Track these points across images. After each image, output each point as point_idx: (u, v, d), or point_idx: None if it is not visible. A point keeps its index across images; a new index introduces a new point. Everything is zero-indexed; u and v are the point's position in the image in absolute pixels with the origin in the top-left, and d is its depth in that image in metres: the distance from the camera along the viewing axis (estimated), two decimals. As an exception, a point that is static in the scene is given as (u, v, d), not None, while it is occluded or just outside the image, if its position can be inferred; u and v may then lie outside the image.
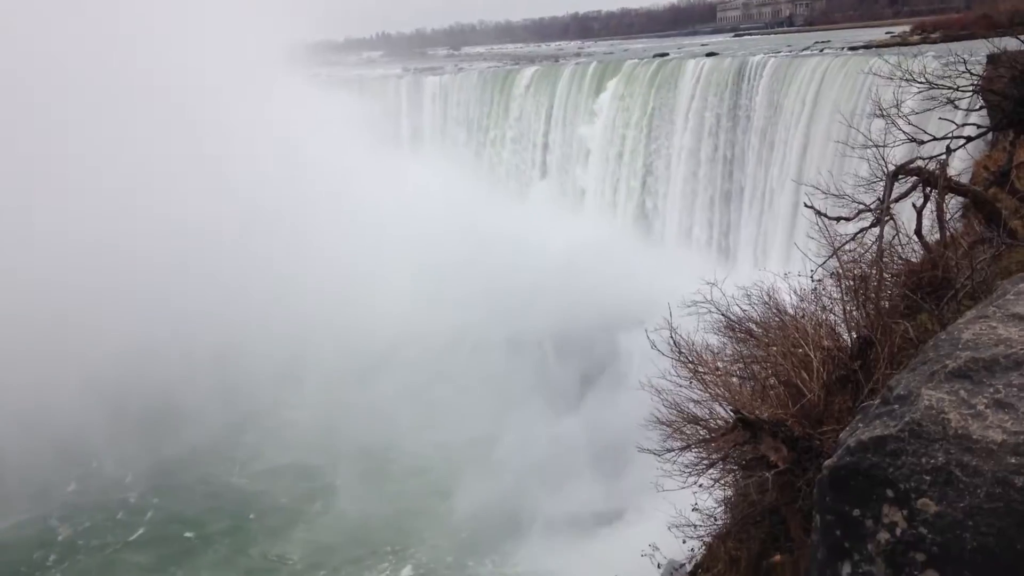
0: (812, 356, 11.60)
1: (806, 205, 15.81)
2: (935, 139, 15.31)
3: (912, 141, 15.44)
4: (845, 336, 12.46)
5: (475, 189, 57.03)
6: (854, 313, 12.40)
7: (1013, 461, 2.42)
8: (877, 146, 14.69)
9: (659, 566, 15.49)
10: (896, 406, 2.78)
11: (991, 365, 2.77)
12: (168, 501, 36.62)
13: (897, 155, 16.16)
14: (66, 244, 44.25)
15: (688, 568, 15.29)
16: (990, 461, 2.45)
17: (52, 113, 49.02)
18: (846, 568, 2.60)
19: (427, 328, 45.24)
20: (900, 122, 15.40)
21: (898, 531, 2.49)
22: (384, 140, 60.54)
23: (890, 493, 2.54)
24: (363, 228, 50.99)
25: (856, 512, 2.60)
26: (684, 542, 14.36)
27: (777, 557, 12.58)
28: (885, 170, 14.35)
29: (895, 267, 13.84)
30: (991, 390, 2.68)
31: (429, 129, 64.75)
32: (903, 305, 12.75)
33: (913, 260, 13.88)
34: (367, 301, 45.60)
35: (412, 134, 65.01)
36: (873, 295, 12.38)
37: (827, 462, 2.80)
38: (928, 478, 2.50)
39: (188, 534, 34.56)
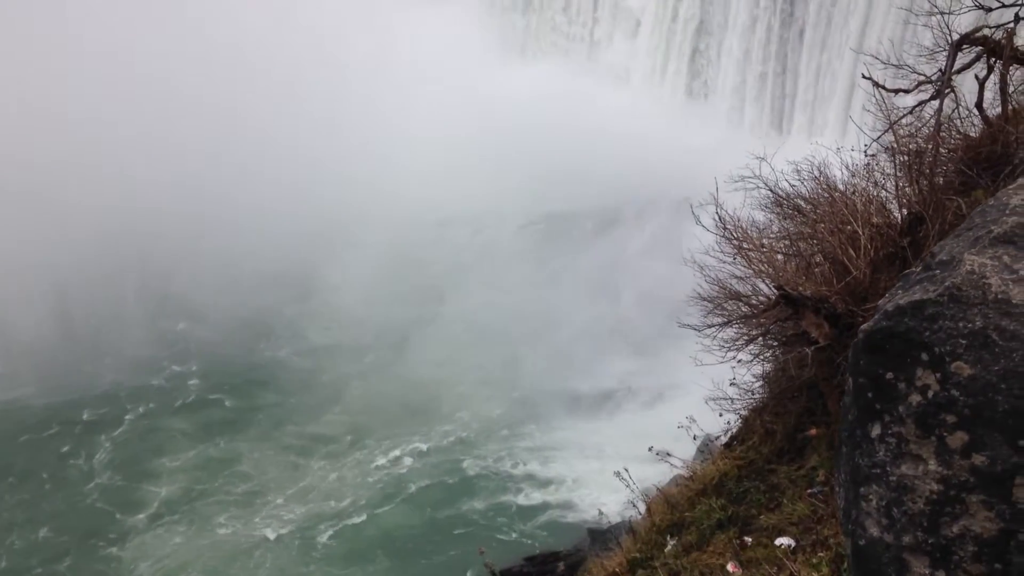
0: (860, 233, 11.42)
1: (864, 76, 15.23)
2: (1003, 6, 14.50)
3: (980, 8, 14.64)
4: (896, 213, 12.21)
5: (523, 63, 55.68)
6: (906, 189, 12.10)
7: (1052, 326, 2.39)
8: (942, 13, 14.00)
9: (695, 438, 15.77)
10: (937, 271, 2.74)
11: (1038, 230, 2.70)
12: (217, 372, 37.69)
13: (963, 23, 15.36)
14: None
15: (724, 440, 15.57)
16: (1029, 325, 2.42)
17: None
18: (876, 429, 2.63)
19: (470, 205, 45.17)
20: (968, -13, 14.58)
21: (930, 393, 2.50)
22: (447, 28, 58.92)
23: (924, 356, 2.54)
24: (400, 93, 50.32)
25: (889, 375, 2.61)
26: (721, 415, 14.58)
27: (813, 431, 12.74)
28: (949, 39, 13.70)
29: (953, 142, 13.39)
30: (1036, 255, 2.63)
31: (485, 15, 62.64)
32: (958, 181, 12.41)
33: (972, 135, 13.41)
34: (405, 175, 45.44)
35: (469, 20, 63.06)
36: (927, 171, 12.04)
37: (864, 325, 2.79)
38: (964, 342, 2.49)
39: (230, 405, 35.64)
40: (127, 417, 35.29)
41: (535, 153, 45.12)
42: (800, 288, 11.23)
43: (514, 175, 44.89)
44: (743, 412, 14.66)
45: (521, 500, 30.73)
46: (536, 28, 59.19)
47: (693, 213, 12.96)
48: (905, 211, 11.88)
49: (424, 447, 32.99)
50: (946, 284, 2.65)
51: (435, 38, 55.05)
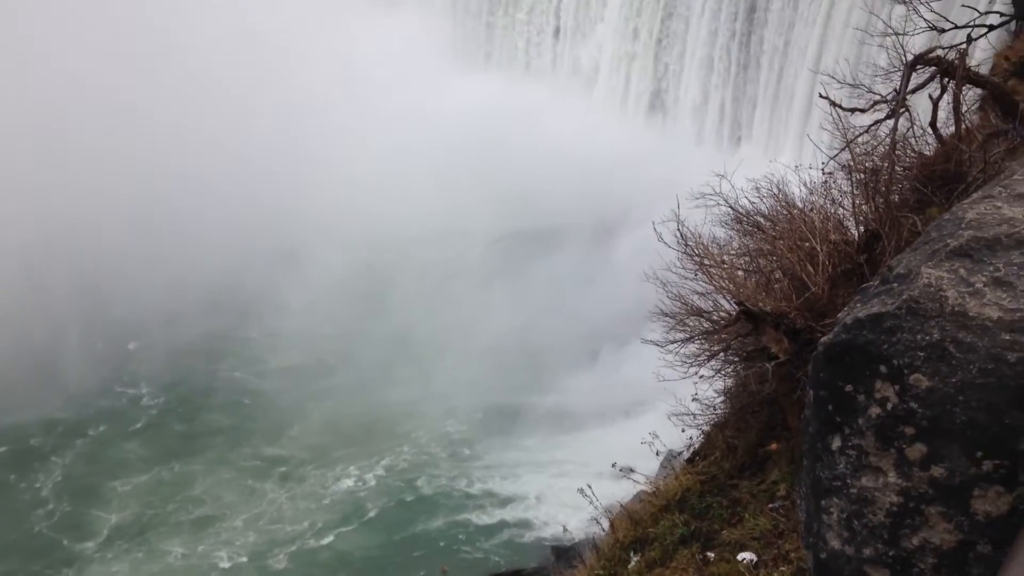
0: (819, 249, 11.57)
1: (821, 96, 15.48)
2: (956, 27, 14.87)
3: (933, 29, 14.99)
4: (853, 230, 12.40)
5: (485, 80, 55.88)
6: (863, 207, 12.30)
7: (1007, 338, 2.43)
8: (897, 34, 14.27)
9: (658, 454, 15.82)
10: (895, 284, 2.77)
11: (993, 244, 2.74)
12: (171, 394, 36.91)
13: (917, 44, 15.70)
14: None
15: (686, 455, 15.64)
16: (985, 338, 2.46)
17: None
18: (836, 441, 2.65)
19: (436, 223, 45.09)
20: (922, 9, 14.92)
21: (889, 406, 2.52)
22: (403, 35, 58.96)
23: (883, 369, 2.56)
24: (370, 103, 50.09)
25: (849, 387, 2.63)
26: (683, 431, 14.64)
27: (774, 445, 12.83)
28: (903, 59, 13.98)
29: (908, 160, 13.64)
30: (991, 268, 2.67)
31: (438, 19, 62.90)
32: (913, 199, 12.63)
33: (926, 153, 13.67)
34: (367, 191, 45.19)
35: (421, 24, 63.27)
36: (883, 188, 12.24)
37: (823, 339, 2.81)
38: (922, 354, 2.52)
39: (183, 428, 34.87)
40: (77, 442, 34.29)
41: (498, 168, 45.18)
42: (760, 304, 11.34)
43: (478, 191, 44.89)
44: (705, 427, 14.74)
45: (483, 518, 30.50)
46: (500, 40, 59.45)
47: (655, 230, 13.05)
48: (862, 228, 12.07)
49: (383, 468, 32.49)
50: (904, 297, 2.68)
51: (394, 48, 54.94)
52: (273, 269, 42.51)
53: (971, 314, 2.55)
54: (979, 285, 2.63)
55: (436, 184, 45.98)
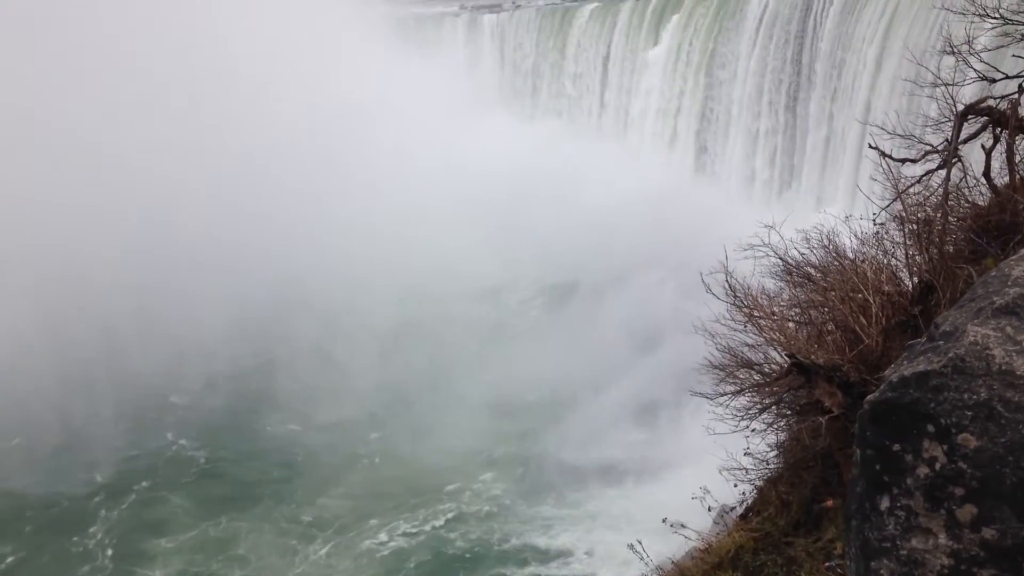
0: (871, 301, 11.42)
1: (871, 146, 15.39)
2: (1008, 77, 14.72)
3: (983, 80, 14.86)
4: (907, 281, 12.22)
5: (530, 130, 56.57)
6: (916, 258, 12.13)
7: (1057, 397, 2.39)
8: (946, 85, 14.17)
9: (709, 509, 15.55)
10: (941, 342, 2.75)
11: (1040, 302, 2.71)
12: (216, 449, 37.15)
13: (967, 94, 15.59)
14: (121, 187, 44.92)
15: (739, 511, 15.34)
16: (1033, 397, 2.42)
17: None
18: (885, 502, 2.61)
19: (482, 275, 45.35)
20: (972, 60, 14.81)
21: (938, 465, 2.49)
22: (441, 81, 60.09)
23: (931, 428, 2.54)
24: (412, 169, 50.89)
25: (896, 447, 2.60)
26: (735, 486, 14.39)
27: (829, 502, 12.55)
28: (954, 110, 13.87)
29: (961, 211, 13.47)
30: (1038, 327, 2.63)
31: (487, 68, 64.21)
32: (968, 250, 12.44)
33: (980, 203, 13.48)
34: (411, 245, 45.63)
35: (468, 73, 64.54)
36: (937, 239, 12.08)
37: (869, 397, 2.79)
38: (970, 413, 2.49)
39: (233, 483, 34.94)
40: (123, 498, 34.32)
41: (539, 220, 45.48)
42: (812, 356, 11.19)
43: (519, 243, 45.18)
44: (758, 482, 14.48)
45: (531, 574, 30.06)
46: (544, 95, 60.31)
47: (703, 281, 13.00)
48: (916, 279, 11.90)
49: (429, 526, 32.14)
50: (950, 355, 2.66)
51: (436, 102, 55.94)
52: (314, 324, 43.03)
53: (1019, 372, 2.52)
54: (1026, 343, 2.60)
55: (477, 237, 46.41)
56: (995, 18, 15.45)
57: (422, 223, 47.57)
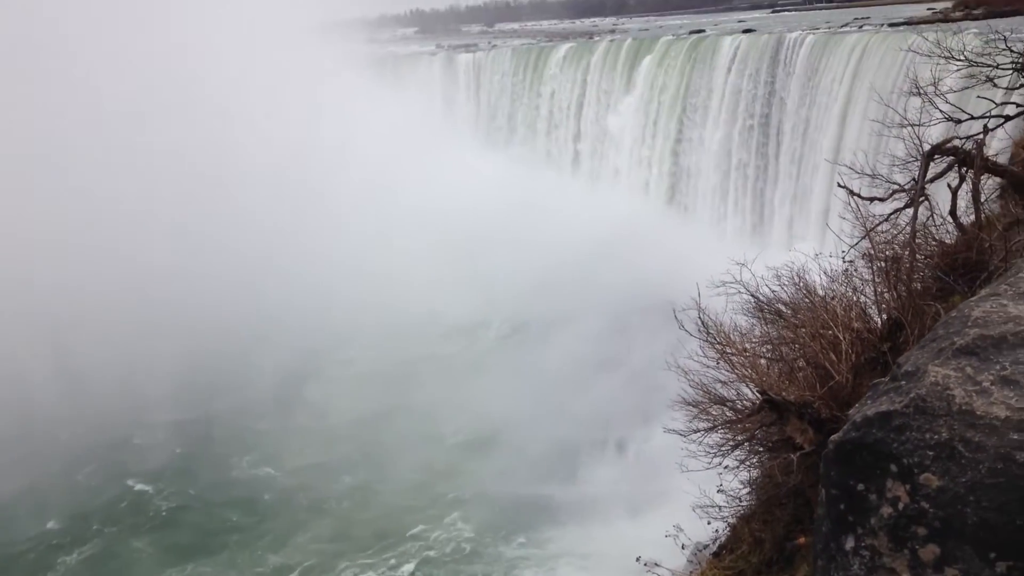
0: (841, 338, 11.51)
1: (839, 185, 15.64)
2: (973, 118, 15.05)
3: (949, 120, 15.19)
4: (876, 318, 12.35)
5: (506, 168, 56.95)
6: (885, 295, 12.28)
7: (1016, 437, 2.42)
8: (913, 125, 14.47)
9: (683, 547, 15.49)
10: (903, 382, 2.78)
11: (999, 343, 2.76)
12: (191, 490, 36.15)
13: (934, 134, 15.89)
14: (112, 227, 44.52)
15: (713, 549, 15.29)
16: (993, 437, 2.45)
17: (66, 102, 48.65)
18: (850, 542, 2.62)
19: (456, 313, 45.28)
20: (938, 101, 15.14)
21: (901, 505, 2.50)
22: (417, 118, 60.46)
23: (894, 468, 2.55)
24: (387, 205, 50.95)
25: (860, 486, 2.61)
26: (709, 523, 14.36)
27: (801, 540, 12.55)
28: (921, 150, 14.15)
29: (928, 249, 13.68)
30: (997, 367, 2.67)
31: (462, 106, 64.72)
32: (936, 287, 12.62)
33: (947, 242, 13.71)
34: (394, 289, 45.47)
35: (444, 112, 65.00)
36: (905, 277, 12.24)
37: (833, 437, 2.81)
38: (931, 453, 2.51)
39: (198, 528, 33.79)
40: (87, 542, 32.88)
41: (516, 258, 45.56)
42: (784, 393, 11.25)
43: (498, 281, 45.21)
44: (731, 520, 14.45)
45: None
46: (520, 133, 60.85)
47: (676, 318, 13.06)
48: (884, 316, 12.03)
49: (397, 572, 31.55)
50: (911, 395, 2.68)
51: (411, 140, 56.21)
52: (285, 363, 42.30)
53: (979, 413, 2.55)
54: (986, 384, 2.63)
55: (451, 274, 46.41)
56: (960, 60, 15.83)
57: (396, 260, 47.49)
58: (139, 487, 36.59)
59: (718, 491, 13.87)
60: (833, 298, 12.87)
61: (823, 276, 13.39)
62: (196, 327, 42.33)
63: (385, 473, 35.85)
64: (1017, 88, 17.09)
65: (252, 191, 48.68)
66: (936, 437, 2.56)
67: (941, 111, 15.18)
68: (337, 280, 46.03)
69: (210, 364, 41.41)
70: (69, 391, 39.90)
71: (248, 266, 45.23)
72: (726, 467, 12.90)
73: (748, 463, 13.10)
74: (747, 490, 13.92)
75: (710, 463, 12.65)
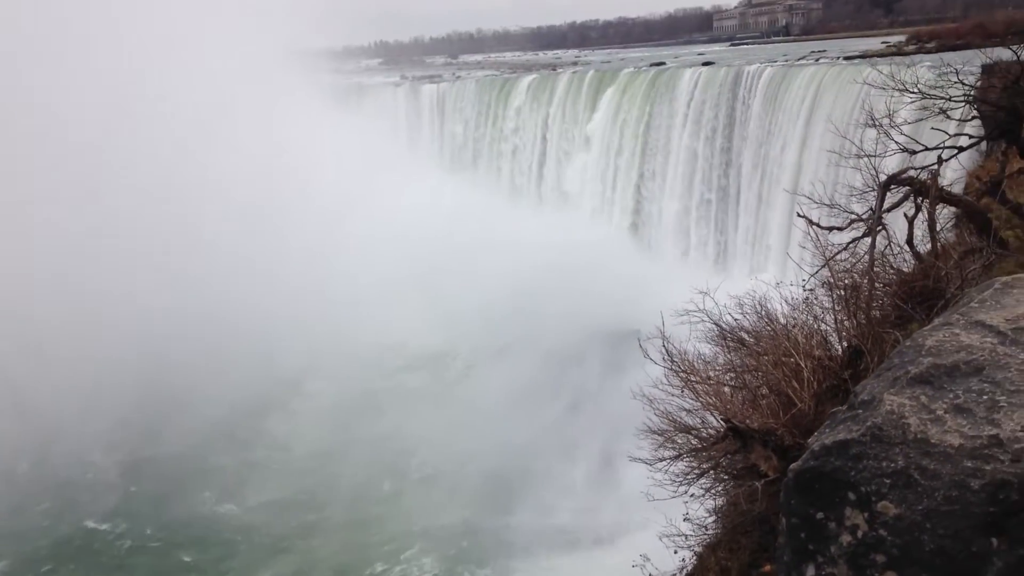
0: (803, 365, 11.61)
1: (799, 215, 15.87)
2: (927, 149, 15.38)
3: (905, 151, 15.50)
4: (836, 346, 12.49)
5: (470, 197, 57.10)
6: (845, 323, 12.43)
7: (970, 465, 2.46)
8: (869, 156, 14.74)
9: (650, 576, 15.42)
10: (860, 411, 2.81)
11: (952, 371, 2.81)
12: (148, 529, 35.16)
13: (889, 165, 16.24)
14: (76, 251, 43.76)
15: (680, 578, 15.25)
16: (947, 465, 2.49)
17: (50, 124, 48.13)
18: (810, 570, 2.63)
19: (420, 343, 45.05)
20: (893, 132, 15.47)
21: (859, 533, 2.52)
22: (381, 148, 60.50)
23: (852, 496, 2.58)
24: (355, 238, 50.72)
25: (820, 515, 2.64)
26: (675, 552, 14.32)
27: (767, 567, 12.56)
28: (877, 180, 14.41)
29: (887, 277, 13.88)
30: (951, 395, 2.72)
31: (426, 137, 64.94)
32: (894, 315, 12.79)
33: (905, 270, 13.92)
34: (358, 317, 45.11)
35: (409, 142, 65.17)
36: (864, 305, 12.40)
37: (792, 466, 2.83)
38: (888, 481, 2.54)
39: (154, 569, 32.77)
40: None
41: (480, 288, 45.48)
42: (747, 421, 11.30)
43: (464, 311, 45.11)
44: (697, 548, 14.43)
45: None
46: (484, 162, 61.13)
47: (641, 347, 13.11)
48: (845, 344, 12.17)
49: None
50: (868, 424, 2.72)
51: (376, 169, 56.15)
52: (252, 396, 41.48)
53: (933, 441, 2.59)
54: (940, 412, 2.68)
55: (417, 303, 46.22)
56: (914, 93, 16.20)
57: (360, 289, 47.21)
58: (92, 525, 35.57)
59: (684, 519, 13.87)
60: (795, 326, 13.00)
61: (784, 304, 13.52)
62: (153, 359, 41.57)
63: (347, 507, 35.25)
64: (969, 120, 17.54)
65: (213, 221, 48.14)
66: (892, 465, 2.59)
67: (896, 142, 15.51)
68: (299, 309, 45.60)
69: (168, 396, 40.68)
70: (21, 427, 38.87)
71: (207, 297, 44.57)
72: (692, 495, 12.91)
73: (713, 491, 13.13)
74: (713, 518, 13.93)
75: (676, 491, 12.65)
